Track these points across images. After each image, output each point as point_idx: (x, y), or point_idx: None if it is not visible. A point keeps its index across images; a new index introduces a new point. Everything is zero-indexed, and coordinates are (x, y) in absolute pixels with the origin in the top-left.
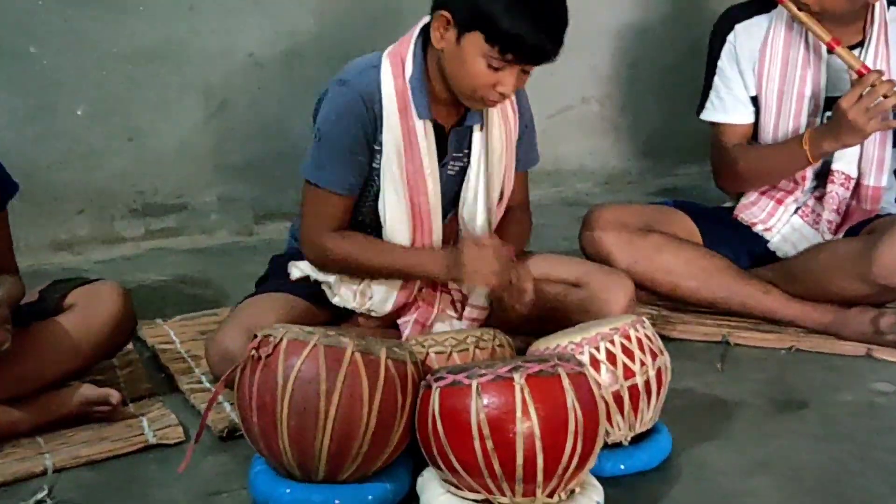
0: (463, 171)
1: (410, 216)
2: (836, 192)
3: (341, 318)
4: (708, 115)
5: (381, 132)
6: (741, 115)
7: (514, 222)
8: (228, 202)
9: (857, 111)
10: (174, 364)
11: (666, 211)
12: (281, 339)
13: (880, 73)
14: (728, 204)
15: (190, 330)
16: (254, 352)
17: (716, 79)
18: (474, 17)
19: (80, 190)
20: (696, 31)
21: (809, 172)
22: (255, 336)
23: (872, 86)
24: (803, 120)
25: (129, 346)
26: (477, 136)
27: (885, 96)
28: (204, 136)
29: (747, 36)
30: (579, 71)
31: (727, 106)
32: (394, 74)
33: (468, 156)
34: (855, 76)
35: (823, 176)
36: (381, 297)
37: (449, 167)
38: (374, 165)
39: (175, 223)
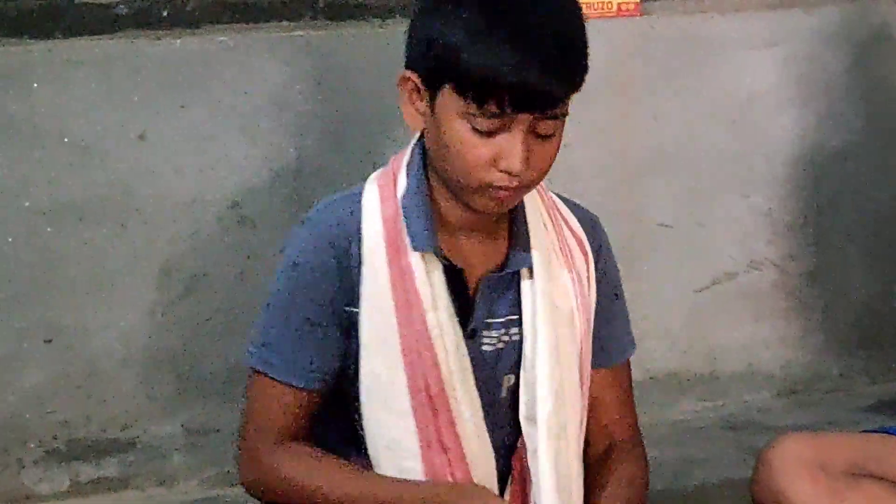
0: (515, 348)
1: (413, 412)
2: None
3: None
4: None
5: (359, 286)
6: None
7: (611, 471)
8: (199, 436)
9: None
10: None
11: (890, 443)
12: None
13: None
14: None
15: None
16: None
17: None
18: (436, 63)
19: None
20: None
21: None
22: None
23: None
24: None
25: None
26: (528, 290)
27: None
28: (162, 334)
29: None
30: (744, 219)
31: None
32: (381, 198)
33: (519, 322)
34: None
35: None
36: None
37: (484, 339)
38: (353, 338)
39: (117, 470)
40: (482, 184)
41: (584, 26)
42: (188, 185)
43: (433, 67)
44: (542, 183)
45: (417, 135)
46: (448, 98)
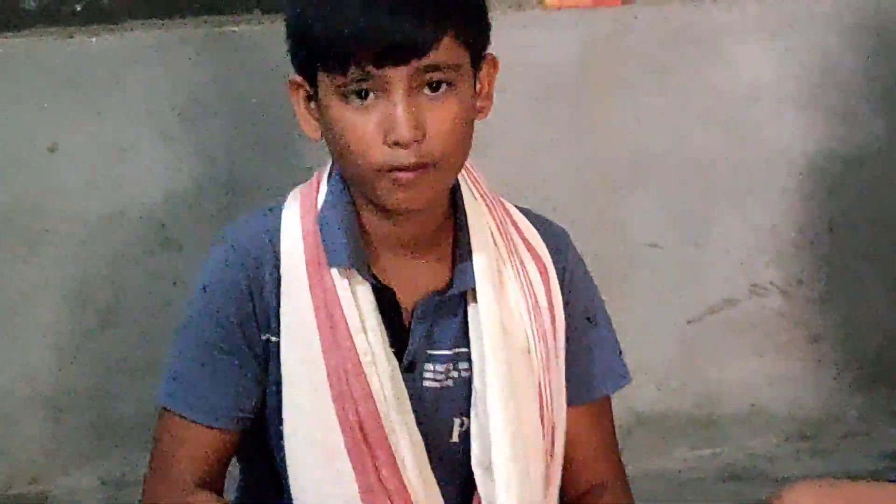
0: (465, 386)
1: (347, 452)
2: None
3: None
4: None
5: (279, 310)
6: None
7: None
8: (118, 489)
9: None
10: None
11: None
12: None
13: None
14: None
15: None
16: None
17: None
18: (299, 47)
19: None
20: None
21: None
22: None
23: None
24: None
25: None
26: (474, 314)
27: None
28: (73, 372)
29: None
30: (743, 237)
31: None
32: (302, 213)
33: (468, 356)
34: None
35: None
36: None
37: (426, 373)
38: (274, 369)
39: None
40: (377, 167)
41: None
42: (104, 201)
43: (300, 56)
44: (495, 195)
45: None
46: (322, 84)
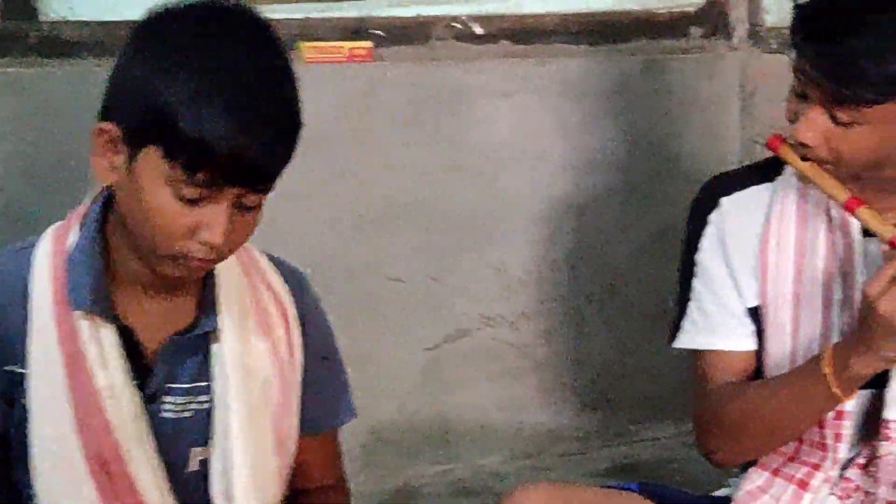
0: (204, 416)
1: (92, 480)
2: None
3: None
4: (686, 340)
5: (25, 344)
6: (737, 339)
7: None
8: None
9: (891, 300)
10: None
11: (631, 500)
12: None
13: None
14: (723, 491)
15: None
16: None
17: (695, 282)
18: (147, 121)
19: None
20: (665, 209)
21: (847, 426)
22: None
23: None
24: (833, 339)
25: None
26: (218, 354)
27: None
28: None
29: (740, 215)
30: (478, 272)
31: (714, 324)
32: (53, 252)
33: (207, 389)
34: (887, 248)
35: (871, 429)
36: None
37: (166, 404)
38: (20, 400)
39: None
40: (175, 252)
41: (299, 101)
42: None
43: (141, 126)
44: None
45: (102, 186)
46: (153, 160)
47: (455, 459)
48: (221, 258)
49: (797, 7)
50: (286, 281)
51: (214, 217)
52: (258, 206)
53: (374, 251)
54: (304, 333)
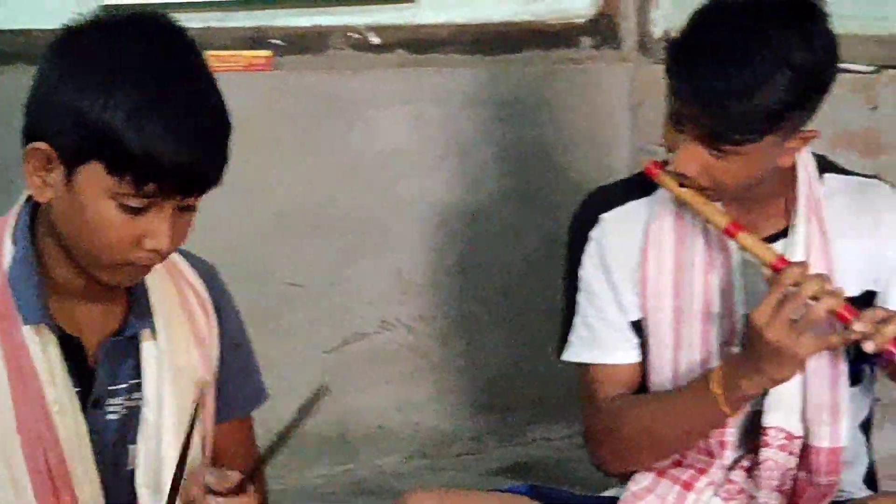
0: (137, 413)
1: (35, 496)
2: (775, 459)
3: None
4: (572, 353)
5: None
6: (622, 353)
7: None
8: None
9: (778, 327)
10: None
11: (517, 502)
12: None
13: (803, 265)
14: (611, 492)
15: None
16: None
17: (580, 297)
18: (86, 140)
19: None
20: (557, 216)
21: (731, 433)
22: None
23: (795, 285)
24: (714, 350)
25: None
26: (149, 351)
27: (815, 298)
28: None
29: (620, 231)
30: (376, 276)
31: (599, 338)
32: None
33: (139, 386)
34: (769, 272)
35: (753, 436)
36: None
37: (109, 407)
38: None
39: None
40: (123, 262)
41: (225, 104)
42: None
43: (79, 144)
44: None
45: (25, 197)
46: (95, 175)
47: (354, 460)
48: (163, 260)
49: (670, 45)
50: (199, 273)
51: (159, 224)
52: (196, 206)
53: (274, 257)
54: (220, 322)
